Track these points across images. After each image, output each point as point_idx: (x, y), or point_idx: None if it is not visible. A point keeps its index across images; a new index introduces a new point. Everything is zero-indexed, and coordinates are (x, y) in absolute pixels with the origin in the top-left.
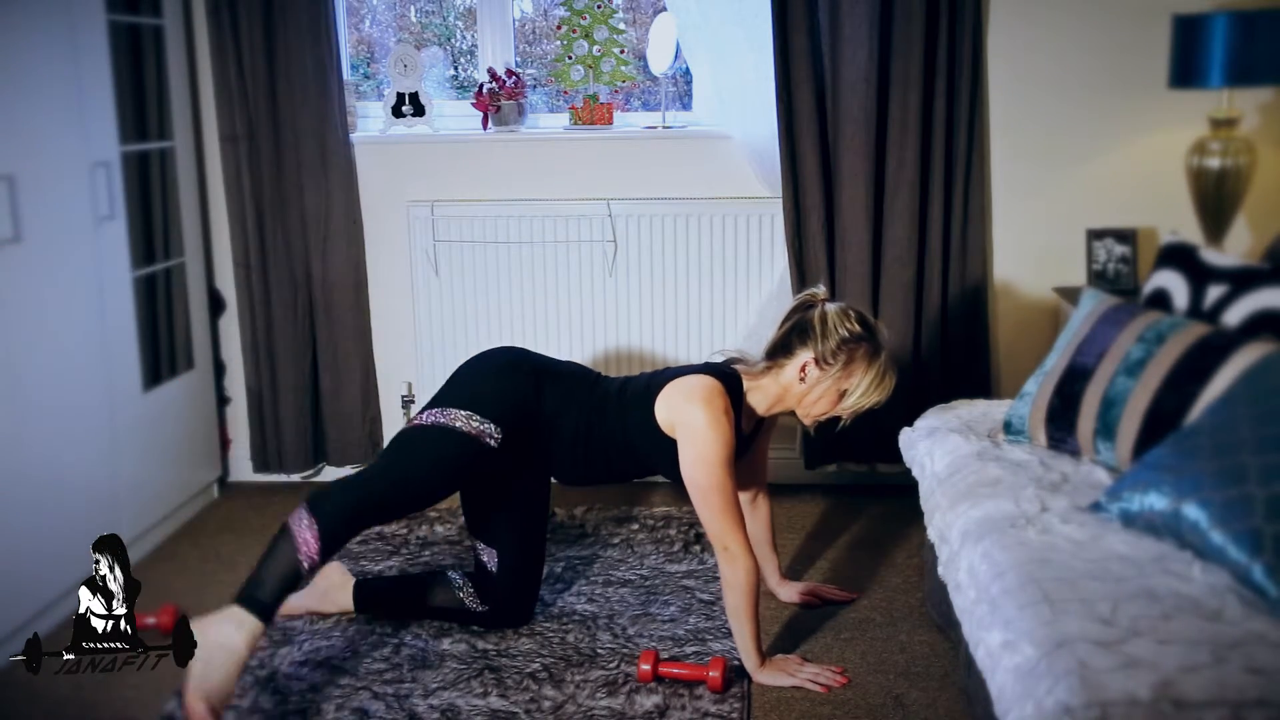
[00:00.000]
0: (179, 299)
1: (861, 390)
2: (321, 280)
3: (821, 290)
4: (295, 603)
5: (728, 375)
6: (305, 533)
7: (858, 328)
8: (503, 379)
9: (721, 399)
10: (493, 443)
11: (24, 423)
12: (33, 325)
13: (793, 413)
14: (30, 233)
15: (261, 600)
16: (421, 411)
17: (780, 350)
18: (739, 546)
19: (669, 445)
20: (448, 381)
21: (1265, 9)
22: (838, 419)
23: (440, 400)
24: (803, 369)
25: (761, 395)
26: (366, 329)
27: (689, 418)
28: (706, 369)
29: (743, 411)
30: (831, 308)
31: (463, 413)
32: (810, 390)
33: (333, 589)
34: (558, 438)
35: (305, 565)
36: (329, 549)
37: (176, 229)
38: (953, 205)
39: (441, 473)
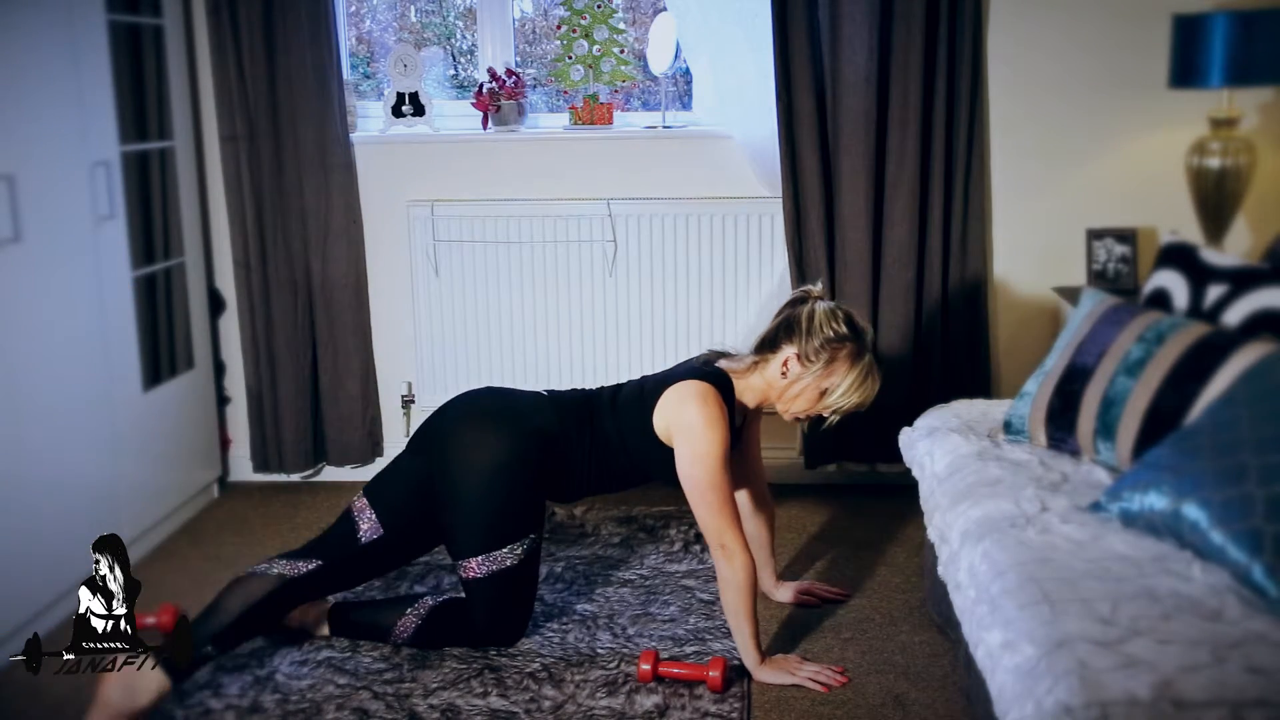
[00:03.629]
0: (179, 299)
1: (841, 391)
2: (321, 280)
3: (817, 287)
4: None
5: (718, 376)
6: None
7: (843, 328)
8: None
9: (716, 399)
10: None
11: (24, 422)
12: (33, 325)
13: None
14: (30, 233)
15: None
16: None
17: (768, 345)
18: (735, 543)
19: (665, 452)
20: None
21: (1265, 9)
22: (823, 418)
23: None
24: (785, 364)
25: (750, 391)
26: (366, 329)
27: (685, 418)
28: (696, 373)
29: (735, 409)
30: (821, 306)
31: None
32: (791, 385)
33: (306, 607)
34: (570, 469)
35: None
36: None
37: (176, 229)
38: (953, 205)
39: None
